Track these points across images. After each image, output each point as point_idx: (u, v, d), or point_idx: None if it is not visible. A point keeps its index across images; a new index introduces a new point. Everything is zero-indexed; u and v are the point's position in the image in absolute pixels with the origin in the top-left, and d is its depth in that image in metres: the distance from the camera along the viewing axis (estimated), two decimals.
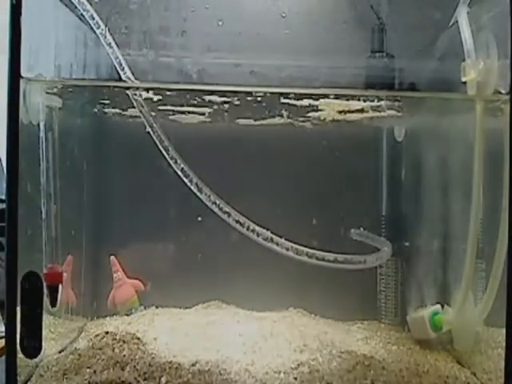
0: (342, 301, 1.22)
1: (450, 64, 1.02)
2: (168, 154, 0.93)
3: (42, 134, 0.94)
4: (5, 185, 0.82)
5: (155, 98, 0.99)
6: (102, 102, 1.12)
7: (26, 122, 0.87)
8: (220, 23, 1.10)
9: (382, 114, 1.08)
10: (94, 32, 0.92)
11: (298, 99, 0.98)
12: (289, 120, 1.16)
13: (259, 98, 0.97)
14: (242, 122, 1.22)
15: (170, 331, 1.11)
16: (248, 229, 0.93)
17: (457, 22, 0.93)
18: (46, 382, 0.87)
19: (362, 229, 1.14)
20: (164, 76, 1.11)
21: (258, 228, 0.93)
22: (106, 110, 1.19)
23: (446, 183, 1.09)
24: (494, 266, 0.87)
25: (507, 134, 0.82)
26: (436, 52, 1.09)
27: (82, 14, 0.92)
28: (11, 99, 0.80)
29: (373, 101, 0.98)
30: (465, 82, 0.90)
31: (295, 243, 0.94)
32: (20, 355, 0.83)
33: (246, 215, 0.94)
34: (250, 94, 0.95)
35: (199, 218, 1.21)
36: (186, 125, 1.24)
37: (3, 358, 0.83)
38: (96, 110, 1.19)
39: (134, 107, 0.95)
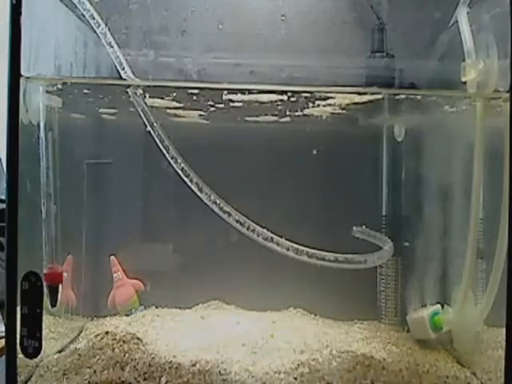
0: (342, 301, 1.22)
1: (450, 64, 1.02)
2: (168, 154, 0.93)
3: (41, 134, 0.94)
4: (5, 185, 0.82)
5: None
6: (102, 101, 1.12)
7: (26, 122, 0.87)
8: (220, 23, 1.10)
9: None
10: (94, 32, 0.92)
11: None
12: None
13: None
14: (242, 121, 1.22)
15: (170, 331, 1.11)
16: (248, 228, 0.93)
17: (457, 21, 0.93)
18: (46, 381, 0.87)
19: (363, 226, 1.14)
20: (164, 76, 1.11)
21: (258, 228, 0.93)
22: (106, 110, 1.19)
23: (446, 183, 1.09)
24: (494, 265, 0.87)
25: (507, 133, 0.82)
26: (436, 52, 1.09)
27: (82, 14, 0.92)
28: (11, 98, 0.80)
29: None
30: (465, 82, 0.90)
31: (295, 243, 0.94)
32: (20, 355, 0.83)
33: (246, 215, 0.94)
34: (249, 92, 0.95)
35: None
36: (186, 124, 1.24)
37: (3, 358, 0.83)
38: (96, 109, 1.19)
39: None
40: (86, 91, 1.02)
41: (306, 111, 1.11)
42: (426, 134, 1.19)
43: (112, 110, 1.19)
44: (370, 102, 1.01)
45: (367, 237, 1.12)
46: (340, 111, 1.10)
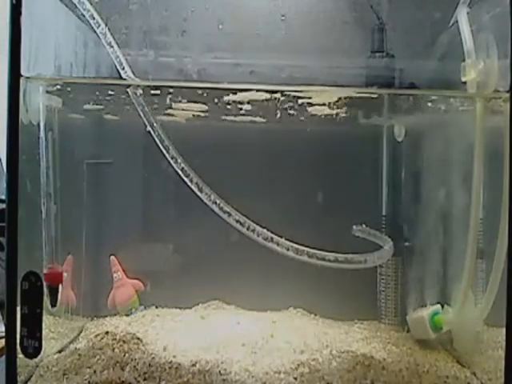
0: (342, 301, 1.22)
1: (450, 64, 1.02)
2: (168, 154, 0.93)
3: (41, 134, 0.94)
4: (5, 185, 0.82)
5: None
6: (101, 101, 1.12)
7: (26, 122, 0.87)
8: (220, 23, 1.10)
9: None
10: (94, 32, 0.92)
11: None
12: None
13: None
14: (242, 121, 1.22)
15: (170, 331, 1.11)
16: (248, 228, 0.93)
17: (457, 21, 0.93)
18: (46, 381, 0.87)
19: (363, 225, 1.14)
20: (164, 76, 1.11)
21: (258, 228, 0.93)
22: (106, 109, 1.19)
23: (446, 182, 1.09)
24: (494, 265, 0.87)
25: (507, 133, 0.82)
26: (436, 52, 1.09)
27: (82, 14, 0.92)
28: (11, 98, 0.80)
29: None
30: (465, 82, 0.90)
31: (295, 243, 0.94)
32: (20, 355, 0.83)
33: (246, 215, 0.94)
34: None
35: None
36: (186, 124, 1.24)
37: (3, 358, 0.83)
38: (95, 109, 1.19)
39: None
40: (86, 91, 1.03)
41: (306, 111, 1.11)
42: (426, 134, 1.19)
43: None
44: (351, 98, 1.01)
45: (367, 235, 1.12)
46: (339, 111, 1.10)
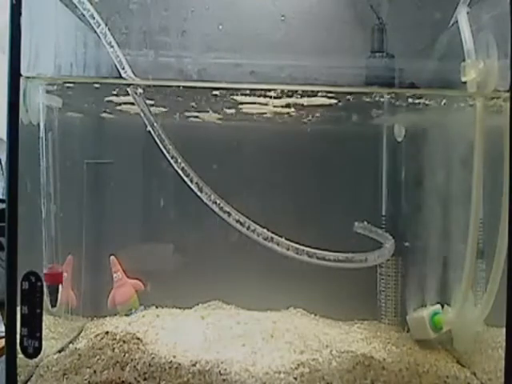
0: (342, 301, 1.22)
1: (450, 64, 1.02)
2: (169, 154, 0.93)
3: (41, 134, 0.94)
4: (5, 185, 0.82)
5: None
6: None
7: (26, 122, 0.87)
8: (220, 23, 1.10)
9: None
10: (95, 31, 0.92)
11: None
12: None
13: None
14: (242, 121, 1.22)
15: (170, 331, 1.11)
16: (248, 228, 0.93)
17: (457, 21, 0.93)
18: (46, 382, 0.87)
19: (365, 222, 1.14)
20: (164, 76, 1.11)
21: (258, 228, 0.93)
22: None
23: (445, 182, 1.09)
24: (494, 266, 0.87)
25: (507, 132, 0.82)
26: (436, 52, 1.09)
27: (82, 14, 0.92)
28: (11, 98, 0.80)
29: None
30: (465, 82, 0.90)
31: (295, 243, 0.94)
32: (20, 355, 0.83)
33: (246, 215, 0.94)
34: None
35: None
36: (186, 124, 1.24)
37: (3, 357, 0.83)
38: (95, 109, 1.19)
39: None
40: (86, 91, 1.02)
41: (306, 111, 1.11)
42: (426, 134, 1.19)
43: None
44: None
45: (369, 233, 1.12)
46: (339, 111, 1.10)
